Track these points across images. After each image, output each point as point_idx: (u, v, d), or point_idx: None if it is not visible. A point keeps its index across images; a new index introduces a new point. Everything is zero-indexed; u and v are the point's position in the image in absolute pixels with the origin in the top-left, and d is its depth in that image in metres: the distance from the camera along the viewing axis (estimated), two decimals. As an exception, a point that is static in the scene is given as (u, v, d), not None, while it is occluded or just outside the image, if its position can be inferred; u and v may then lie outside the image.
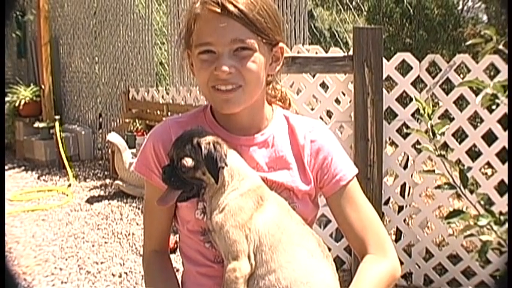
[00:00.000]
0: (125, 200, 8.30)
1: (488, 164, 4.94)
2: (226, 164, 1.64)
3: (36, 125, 10.61)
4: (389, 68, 4.98)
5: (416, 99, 2.49)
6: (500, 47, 2.32)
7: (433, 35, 6.35)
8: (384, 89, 4.88)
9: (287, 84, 4.85)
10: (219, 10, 1.64)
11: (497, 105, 4.74)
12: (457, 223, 2.59)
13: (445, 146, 4.90)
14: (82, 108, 11.39)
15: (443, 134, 2.56)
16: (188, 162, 1.63)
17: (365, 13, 7.56)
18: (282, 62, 1.80)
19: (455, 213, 2.42)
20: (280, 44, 1.78)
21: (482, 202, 2.57)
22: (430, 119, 2.33)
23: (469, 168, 2.52)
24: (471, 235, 2.53)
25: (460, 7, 6.80)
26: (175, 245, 6.26)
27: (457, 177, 2.30)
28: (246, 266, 1.57)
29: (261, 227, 1.61)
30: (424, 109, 2.36)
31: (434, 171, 2.73)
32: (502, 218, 2.38)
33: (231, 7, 1.63)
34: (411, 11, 6.60)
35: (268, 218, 1.64)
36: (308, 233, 1.69)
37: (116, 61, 10.54)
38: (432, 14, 6.58)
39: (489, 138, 4.86)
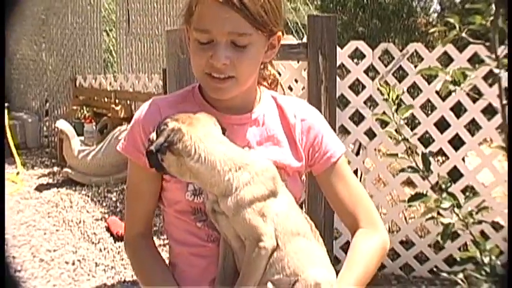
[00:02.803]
0: (73, 188, 8.26)
1: (441, 151, 5.04)
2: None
3: (-19, 112, 10.46)
4: (342, 55, 5.05)
5: (380, 85, 2.53)
6: (463, 34, 2.38)
7: (386, 24, 6.44)
8: (337, 77, 4.93)
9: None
10: (220, 0, 1.61)
11: (451, 92, 4.84)
12: (418, 206, 2.64)
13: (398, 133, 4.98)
14: (29, 95, 11.29)
15: (406, 118, 2.62)
16: (150, 147, 1.61)
17: (318, 1, 7.63)
18: (276, 49, 1.80)
19: (418, 196, 2.46)
20: (279, 33, 1.76)
21: (443, 186, 2.63)
22: (395, 104, 2.38)
23: (431, 153, 2.57)
24: (432, 217, 2.59)
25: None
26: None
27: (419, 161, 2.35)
28: (270, 245, 1.59)
29: (275, 217, 1.62)
30: (388, 94, 2.40)
31: (397, 154, 2.78)
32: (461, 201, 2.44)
33: None
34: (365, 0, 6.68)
35: (282, 209, 1.65)
36: (305, 221, 1.72)
37: (64, 48, 10.45)
38: (385, 3, 6.67)
39: (441, 125, 4.97)
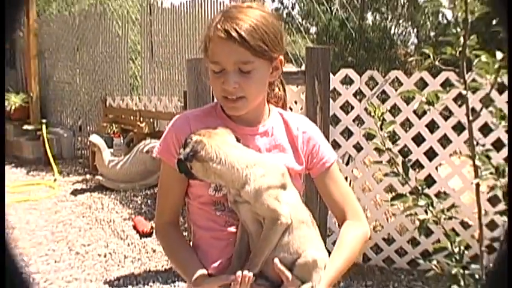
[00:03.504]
0: (104, 193, 8.29)
1: (418, 162, 5.11)
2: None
3: (24, 127, 10.60)
4: (335, 81, 5.13)
5: (368, 104, 2.65)
6: (436, 63, 2.47)
7: (372, 54, 6.50)
8: (330, 99, 5.02)
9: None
10: (225, 36, 1.73)
11: (426, 111, 4.92)
12: (399, 205, 2.73)
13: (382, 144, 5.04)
14: (64, 114, 11.35)
15: (389, 132, 2.73)
16: (180, 155, 1.74)
17: (314, 35, 7.71)
18: (280, 70, 1.91)
19: (398, 196, 2.58)
20: (280, 57, 1.87)
21: (420, 188, 2.74)
22: (380, 120, 2.49)
23: (409, 160, 2.67)
24: (411, 214, 2.70)
25: (393, 31, 6.97)
26: (152, 230, 6.35)
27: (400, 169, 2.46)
28: (286, 220, 1.71)
29: (287, 206, 1.75)
30: (375, 112, 2.51)
31: (381, 162, 2.87)
32: (435, 201, 2.55)
33: (234, 34, 1.72)
34: (354, 34, 6.74)
35: (291, 200, 1.77)
36: (307, 211, 1.84)
37: (95, 73, 10.50)
38: (371, 37, 6.73)
39: (418, 139, 5.05)
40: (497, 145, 4.64)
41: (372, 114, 2.53)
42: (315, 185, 2.02)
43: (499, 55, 2.27)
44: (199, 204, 1.91)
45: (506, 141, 4.68)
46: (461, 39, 2.30)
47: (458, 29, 2.30)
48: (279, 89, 2.06)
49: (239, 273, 1.71)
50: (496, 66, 2.26)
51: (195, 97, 4.86)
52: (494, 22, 2.29)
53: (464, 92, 2.45)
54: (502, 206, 2.29)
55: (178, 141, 1.84)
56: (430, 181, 4.97)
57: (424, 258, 5.09)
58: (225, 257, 1.83)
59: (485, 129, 4.65)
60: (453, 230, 4.61)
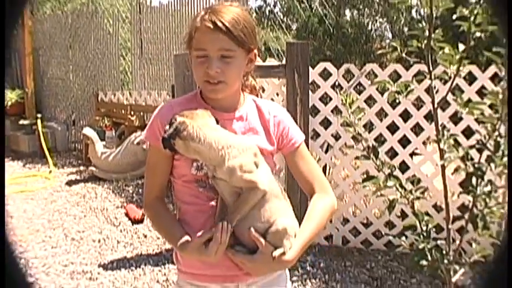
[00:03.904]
0: (97, 183, 8.33)
1: (392, 149, 5.19)
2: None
3: (20, 122, 10.63)
4: (314, 74, 5.21)
5: (341, 94, 2.73)
6: (403, 55, 2.56)
7: (348, 49, 6.57)
8: (309, 91, 5.10)
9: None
10: (212, 26, 1.85)
11: (399, 102, 5.01)
12: (371, 187, 2.80)
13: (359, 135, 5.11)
14: (58, 109, 11.36)
15: (359, 119, 2.81)
16: (166, 129, 1.85)
17: (295, 31, 7.79)
18: (254, 62, 2.02)
19: (369, 178, 2.67)
20: (255, 51, 1.99)
21: (389, 170, 2.83)
22: (351, 107, 2.59)
23: (378, 145, 2.76)
24: (382, 195, 2.79)
25: (369, 27, 7.05)
26: (143, 216, 6.42)
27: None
28: (264, 186, 1.83)
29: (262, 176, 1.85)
30: (346, 100, 2.60)
31: (353, 146, 2.96)
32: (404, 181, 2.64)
33: (220, 24, 1.85)
34: (331, 29, 6.81)
35: (265, 175, 1.87)
36: (279, 186, 1.94)
37: (88, 69, 10.53)
38: (348, 32, 6.81)
39: (392, 128, 5.14)
40: (467, 133, 4.75)
41: (344, 102, 2.63)
42: (287, 163, 2.14)
43: (461, 47, 2.36)
44: (183, 183, 2.01)
45: (474, 128, 4.79)
46: (426, 32, 2.39)
47: (424, 24, 2.40)
48: (253, 79, 2.18)
49: (220, 223, 1.83)
50: (458, 57, 2.35)
51: (182, 89, 4.92)
52: (454, 17, 2.38)
53: (429, 82, 2.55)
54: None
55: (163, 126, 1.93)
56: (404, 167, 5.06)
57: (394, 237, 5.20)
58: (208, 227, 1.91)
59: (455, 118, 4.76)
60: (427, 213, 4.72)
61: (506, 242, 1.86)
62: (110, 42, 10.04)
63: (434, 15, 2.37)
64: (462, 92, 4.59)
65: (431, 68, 2.53)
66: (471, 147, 2.48)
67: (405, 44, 2.54)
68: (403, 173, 4.97)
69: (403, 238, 2.62)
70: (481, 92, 4.73)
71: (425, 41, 2.42)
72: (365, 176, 5.45)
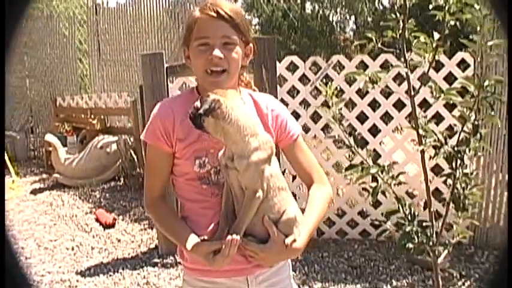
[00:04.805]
0: (63, 190, 8.31)
1: (363, 138, 5.32)
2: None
3: (-24, 132, 10.46)
4: (281, 68, 5.31)
5: (321, 85, 2.84)
6: (379, 45, 2.67)
7: (314, 41, 6.69)
8: (277, 85, 5.19)
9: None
10: (214, 14, 1.93)
11: (368, 92, 5.13)
12: (352, 176, 2.91)
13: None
14: (15, 117, 11.24)
15: (340, 109, 2.93)
16: (196, 105, 1.87)
17: (259, 26, 7.87)
18: (250, 57, 2.08)
19: (351, 167, 2.79)
20: (250, 45, 2.05)
21: (370, 157, 2.96)
22: (332, 98, 2.71)
23: (359, 134, 2.88)
24: (363, 182, 2.91)
25: (331, 18, 7.18)
26: (114, 221, 6.45)
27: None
28: (262, 196, 1.89)
29: (269, 176, 1.91)
30: (326, 92, 2.72)
31: (335, 136, 3.07)
32: (386, 167, 2.77)
33: (222, 13, 1.92)
34: (296, 23, 6.92)
35: (274, 170, 1.94)
36: (285, 180, 2.03)
37: (44, 74, 10.47)
38: (312, 25, 6.93)
39: (361, 118, 5.27)
40: (437, 119, 4.92)
41: (324, 94, 2.74)
42: (285, 155, 2.19)
43: (436, 36, 2.49)
44: (185, 181, 2.05)
45: (444, 115, 4.95)
46: (401, 22, 2.51)
47: (398, 14, 2.51)
48: (246, 75, 2.23)
49: (228, 237, 1.87)
50: (434, 45, 2.48)
51: (151, 90, 4.96)
52: (430, 7, 2.50)
53: (405, 70, 2.67)
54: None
55: (163, 126, 1.98)
56: (375, 156, 5.18)
57: (374, 229, 5.35)
58: (215, 223, 1.98)
59: (425, 105, 4.90)
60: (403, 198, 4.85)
61: (506, 243, 1.96)
62: (66, 45, 10.04)
63: (407, 5, 2.50)
64: (430, 78, 4.72)
65: (406, 57, 2.66)
66: (450, 132, 2.62)
67: (381, 35, 2.66)
68: (374, 162, 5.08)
69: (388, 224, 2.74)
70: (448, 79, 4.89)
71: (400, 31, 2.55)
72: (336, 167, 5.63)
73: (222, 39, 1.94)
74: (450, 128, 4.58)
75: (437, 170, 4.22)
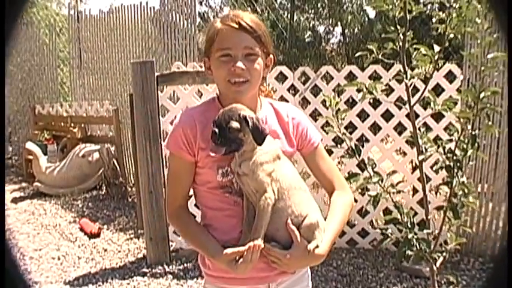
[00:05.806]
0: (44, 199, 8.34)
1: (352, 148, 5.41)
2: (267, 133, 2.00)
3: (-47, 140, 10.41)
4: (270, 78, 5.37)
5: (324, 96, 2.96)
6: (380, 57, 2.78)
7: (303, 52, 6.78)
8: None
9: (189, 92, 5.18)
10: (236, 26, 1.99)
11: (356, 102, 5.25)
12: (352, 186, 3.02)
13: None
14: (-8, 124, 11.19)
15: (343, 119, 3.05)
16: (234, 125, 1.95)
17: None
18: (270, 68, 2.15)
19: (352, 176, 2.91)
20: (271, 56, 2.12)
21: (371, 166, 3.07)
22: (335, 106, 2.84)
23: (362, 144, 3.01)
24: (362, 189, 3.02)
25: (321, 30, 7.29)
26: (99, 230, 6.47)
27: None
28: (272, 197, 1.95)
29: (281, 177, 1.98)
30: (330, 101, 2.84)
31: (327, 145, 3.18)
32: (385, 177, 2.89)
33: (244, 24, 1.99)
34: (285, 33, 7.02)
35: (285, 172, 2.01)
36: (301, 179, 2.10)
37: (23, 82, 10.44)
38: (301, 35, 7.04)
39: (350, 127, 5.37)
40: (426, 129, 5.04)
41: (329, 104, 2.87)
42: (306, 163, 2.26)
43: (437, 48, 2.61)
44: (208, 189, 2.10)
45: (432, 126, 5.08)
46: (401, 35, 2.63)
47: (398, 27, 2.63)
48: (266, 85, 2.32)
49: (250, 243, 1.93)
50: (436, 57, 2.60)
51: (141, 98, 5.00)
52: (433, 20, 2.62)
53: (407, 82, 2.79)
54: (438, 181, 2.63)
55: (185, 135, 2.04)
56: (363, 166, 5.27)
57: (363, 236, 5.41)
58: (237, 231, 2.05)
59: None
60: (386, 209, 4.98)
61: (506, 243, 2.05)
62: (46, 53, 10.02)
63: (408, 18, 2.61)
64: (417, 90, 4.84)
65: (406, 68, 2.78)
66: (449, 141, 2.74)
67: (381, 47, 2.76)
68: (362, 171, 5.20)
69: (389, 230, 2.85)
70: (435, 90, 5.02)
71: (401, 44, 2.67)
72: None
73: (244, 50, 2.00)
74: (438, 138, 4.70)
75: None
